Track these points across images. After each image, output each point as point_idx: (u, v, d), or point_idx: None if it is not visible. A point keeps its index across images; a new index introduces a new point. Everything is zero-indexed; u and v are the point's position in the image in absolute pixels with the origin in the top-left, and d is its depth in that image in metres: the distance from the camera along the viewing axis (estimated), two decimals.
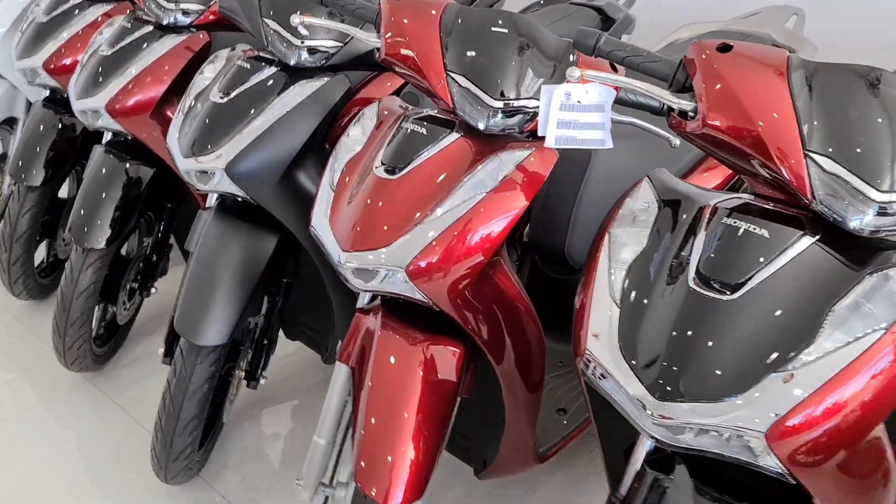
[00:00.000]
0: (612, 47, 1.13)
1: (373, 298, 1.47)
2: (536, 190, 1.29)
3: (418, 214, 1.27)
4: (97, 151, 2.14)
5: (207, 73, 1.79)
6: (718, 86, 1.00)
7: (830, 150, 0.94)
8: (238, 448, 2.05)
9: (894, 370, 0.89)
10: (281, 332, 2.07)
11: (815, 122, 0.95)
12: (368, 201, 1.31)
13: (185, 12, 2.02)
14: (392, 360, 1.35)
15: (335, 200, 1.39)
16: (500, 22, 1.34)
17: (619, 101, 1.38)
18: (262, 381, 1.94)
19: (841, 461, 0.93)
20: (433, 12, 1.35)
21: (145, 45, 2.03)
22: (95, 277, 2.02)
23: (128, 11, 2.19)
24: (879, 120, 0.94)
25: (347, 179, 1.40)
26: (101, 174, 2.06)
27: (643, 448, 1.12)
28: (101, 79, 2.02)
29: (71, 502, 1.87)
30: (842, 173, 0.93)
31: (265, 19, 1.67)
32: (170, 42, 2.03)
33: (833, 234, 0.96)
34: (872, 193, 0.92)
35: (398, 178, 1.30)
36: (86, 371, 2.21)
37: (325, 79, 1.68)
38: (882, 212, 0.92)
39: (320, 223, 1.39)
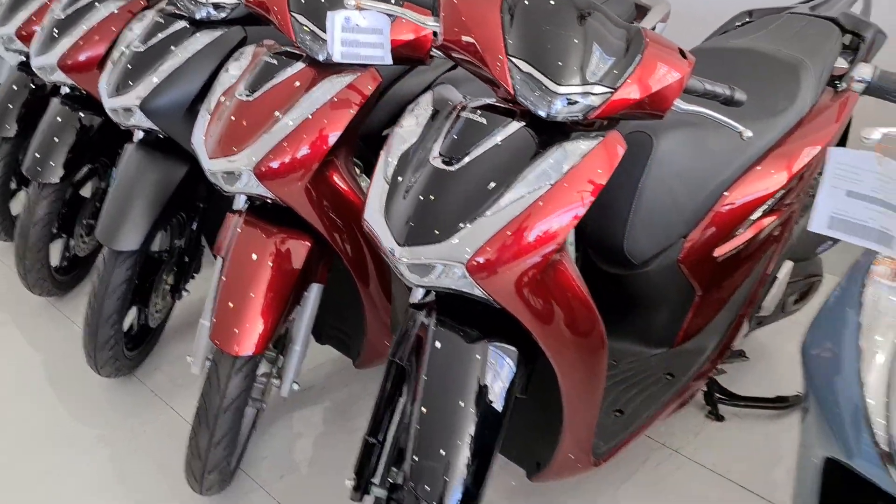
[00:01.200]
0: None
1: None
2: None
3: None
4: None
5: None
6: (453, 9, 1.31)
7: (526, 55, 1.23)
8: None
9: (555, 209, 1.20)
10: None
11: (516, 36, 1.25)
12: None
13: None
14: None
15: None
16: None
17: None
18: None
19: (529, 286, 1.24)
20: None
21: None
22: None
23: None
24: (576, 40, 1.24)
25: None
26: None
27: (414, 296, 1.40)
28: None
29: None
30: (534, 73, 1.22)
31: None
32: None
33: (537, 121, 1.25)
34: (554, 87, 1.21)
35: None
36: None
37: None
38: (568, 102, 1.22)
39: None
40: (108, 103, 2.00)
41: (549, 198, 1.21)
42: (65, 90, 2.47)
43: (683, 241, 1.71)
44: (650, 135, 1.66)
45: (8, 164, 2.72)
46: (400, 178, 1.35)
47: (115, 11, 2.34)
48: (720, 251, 1.74)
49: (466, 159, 1.25)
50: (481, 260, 1.20)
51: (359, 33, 1.42)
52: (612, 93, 1.25)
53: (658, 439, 2.04)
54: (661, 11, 2.29)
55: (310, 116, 1.58)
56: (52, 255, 2.47)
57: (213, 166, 1.63)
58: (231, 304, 1.61)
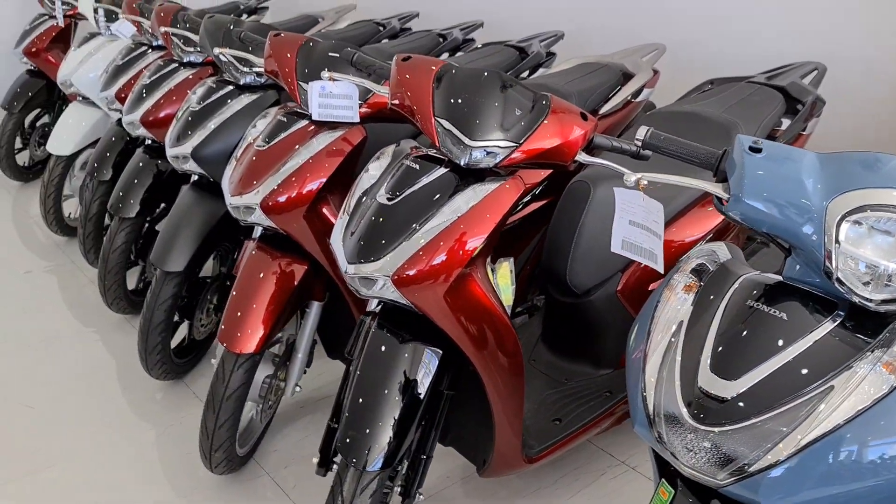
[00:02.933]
0: (361, 61, 1.93)
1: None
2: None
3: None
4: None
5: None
6: (397, 80, 1.65)
7: (448, 116, 1.55)
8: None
9: (460, 236, 1.50)
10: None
11: (442, 101, 1.57)
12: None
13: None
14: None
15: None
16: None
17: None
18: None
19: (444, 297, 1.53)
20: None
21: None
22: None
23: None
24: (494, 105, 1.54)
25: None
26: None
27: (370, 306, 1.73)
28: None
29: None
30: (453, 130, 1.54)
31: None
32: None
33: (459, 168, 1.57)
34: (469, 141, 1.52)
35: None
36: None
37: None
38: (485, 153, 1.52)
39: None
40: (170, 152, 2.47)
41: (455, 227, 1.53)
42: (148, 142, 2.99)
43: (621, 275, 1.98)
44: (589, 183, 1.95)
45: (103, 203, 3.23)
46: (357, 212, 1.70)
47: (190, 77, 2.85)
48: (653, 286, 1.99)
49: (401, 196, 1.59)
50: (403, 275, 1.53)
51: (332, 98, 1.81)
52: (515, 147, 1.56)
53: (617, 456, 2.26)
54: (643, 77, 2.58)
55: (305, 163, 1.97)
56: (131, 283, 2.95)
57: (233, 202, 2.03)
58: (238, 314, 2.00)
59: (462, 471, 2.21)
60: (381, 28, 3.78)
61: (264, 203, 1.96)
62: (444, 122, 1.58)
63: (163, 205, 3.04)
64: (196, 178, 2.56)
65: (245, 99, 2.44)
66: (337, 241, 1.67)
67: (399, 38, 3.65)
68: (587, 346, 2.11)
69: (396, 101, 1.68)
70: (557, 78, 2.57)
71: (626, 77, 2.64)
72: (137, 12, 3.26)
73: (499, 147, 1.56)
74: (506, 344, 1.67)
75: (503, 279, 1.73)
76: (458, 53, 3.45)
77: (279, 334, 2.14)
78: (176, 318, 2.55)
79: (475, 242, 1.53)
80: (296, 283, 2.05)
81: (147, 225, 3.02)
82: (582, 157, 1.63)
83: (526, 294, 2.38)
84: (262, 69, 2.37)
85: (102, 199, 3.23)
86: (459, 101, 1.59)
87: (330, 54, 2.03)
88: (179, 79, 2.83)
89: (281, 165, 1.98)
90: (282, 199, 1.96)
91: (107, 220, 3.34)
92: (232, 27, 2.52)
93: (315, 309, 2.16)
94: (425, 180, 1.59)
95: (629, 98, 2.57)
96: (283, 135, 2.03)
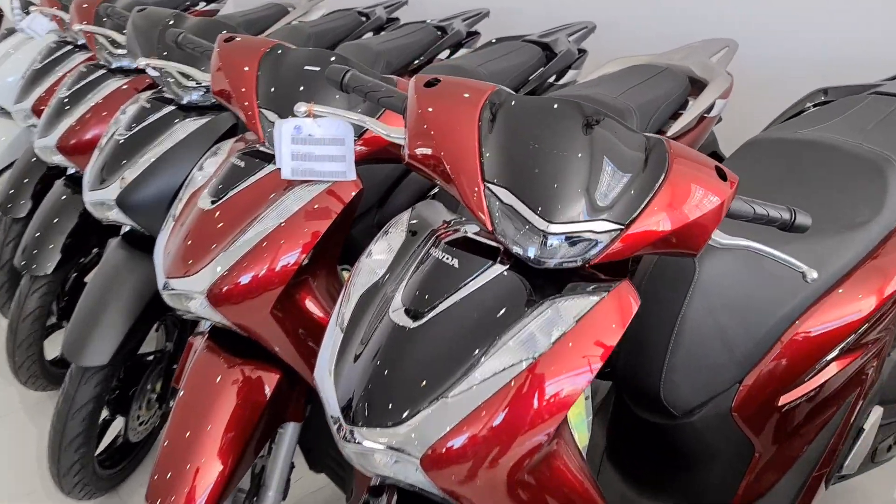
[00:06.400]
0: (357, 83, 1.15)
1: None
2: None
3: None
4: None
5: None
6: (417, 117, 1.01)
7: (508, 181, 0.95)
8: None
9: (542, 389, 0.90)
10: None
11: (497, 153, 0.96)
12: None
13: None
14: (206, 378, 1.37)
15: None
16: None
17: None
18: None
19: (508, 488, 0.94)
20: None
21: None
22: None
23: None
24: (578, 157, 0.94)
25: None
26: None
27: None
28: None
29: None
30: (516, 205, 0.94)
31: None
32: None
33: (524, 264, 0.96)
34: (543, 224, 0.92)
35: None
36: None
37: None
38: (566, 242, 0.92)
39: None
40: (88, 197, 1.81)
41: (535, 374, 0.91)
42: (71, 170, 2.28)
43: (737, 388, 1.36)
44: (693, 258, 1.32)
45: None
46: (356, 329, 1.06)
47: (124, 87, 2.18)
48: (786, 398, 1.37)
49: (431, 314, 0.97)
50: (441, 454, 0.91)
51: (313, 145, 1.15)
52: (622, 229, 0.94)
53: None
54: (721, 85, 1.95)
55: (276, 229, 1.33)
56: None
57: (169, 285, 1.38)
58: (179, 467, 1.34)
59: None
60: (364, 18, 3.12)
61: (213, 291, 1.32)
62: (500, 191, 0.96)
63: (95, 250, 2.38)
64: (128, 228, 1.90)
65: (189, 125, 1.78)
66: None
67: (387, 32, 3.00)
68: (685, 482, 1.49)
69: (414, 152, 1.04)
70: (602, 87, 1.93)
71: (694, 84, 2.02)
72: (56, 3, 2.57)
73: (596, 231, 0.94)
74: None
75: (575, 416, 1.13)
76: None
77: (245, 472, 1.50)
78: (105, 413, 1.90)
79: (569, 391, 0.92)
80: (265, 400, 1.41)
81: (74, 275, 2.35)
82: (720, 238, 1.02)
83: None
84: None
85: (17, 241, 2.55)
86: (526, 153, 0.96)
87: (307, 68, 1.39)
88: (107, 91, 2.19)
89: (238, 234, 1.34)
90: (240, 283, 1.32)
91: None
92: (171, 23, 1.85)
93: (291, 431, 1.52)
94: (471, 287, 0.97)
95: (703, 114, 1.94)
96: (241, 186, 1.39)
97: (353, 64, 1.34)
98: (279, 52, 1.43)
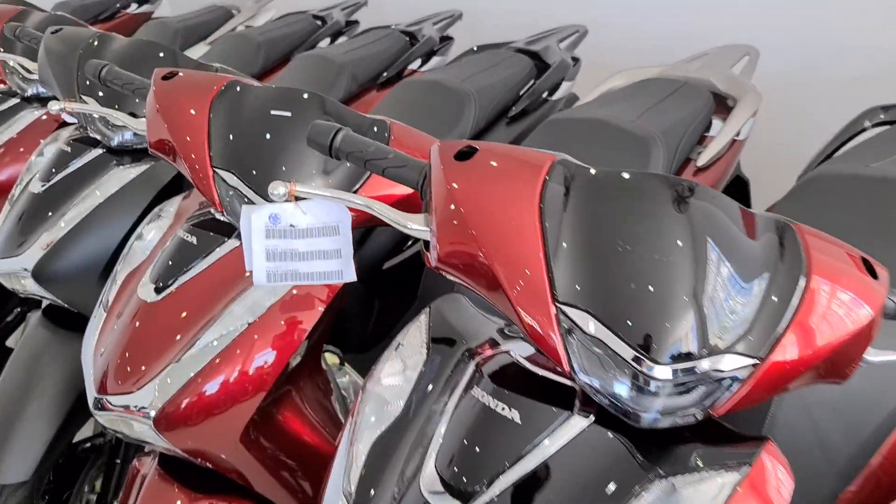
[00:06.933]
0: (352, 147, 0.81)
1: None
2: None
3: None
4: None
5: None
6: (451, 207, 0.71)
7: (589, 302, 0.66)
8: None
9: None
10: None
11: (566, 262, 0.67)
12: None
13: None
14: None
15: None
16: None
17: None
18: None
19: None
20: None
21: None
22: None
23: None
24: (680, 243, 0.66)
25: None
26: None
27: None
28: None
29: None
30: (605, 336, 0.65)
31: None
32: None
33: (612, 418, 0.68)
34: (648, 366, 0.63)
35: None
36: None
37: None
38: (675, 389, 0.64)
39: None
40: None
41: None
42: (45, 302, 1.81)
43: (839, 498, 1.09)
44: None
45: None
46: (372, 494, 0.76)
47: (43, 118, 1.82)
48: None
49: (488, 496, 0.67)
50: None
51: (297, 238, 0.82)
52: (757, 364, 0.65)
53: None
54: (752, 103, 1.68)
55: (246, 330, 1.01)
56: None
57: (97, 403, 1.05)
58: None
59: None
60: (319, 23, 2.77)
61: (162, 413, 0.99)
62: (580, 315, 0.66)
63: (18, 309, 2.00)
64: (48, 301, 1.54)
65: (124, 173, 1.43)
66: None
67: (347, 39, 2.67)
68: None
69: (450, 262, 0.74)
70: (615, 108, 1.64)
71: (720, 100, 1.74)
72: None
73: (723, 370, 0.65)
74: None
75: None
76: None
77: None
78: None
79: None
80: None
81: None
82: (872, 356, 0.74)
83: None
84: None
85: None
86: (610, 260, 0.67)
87: (273, 113, 1.06)
88: (23, 123, 1.81)
89: (194, 336, 1.01)
90: (197, 402, 0.99)
91: None
92: (94, 44, 1.49)
93: None
94: (540, 454, 0.67)
95: (733, 137, 1.67)
96: (193, 270, 1.06)
97: (344, 115, 1.02)
98: (237, 89, 1.09)
